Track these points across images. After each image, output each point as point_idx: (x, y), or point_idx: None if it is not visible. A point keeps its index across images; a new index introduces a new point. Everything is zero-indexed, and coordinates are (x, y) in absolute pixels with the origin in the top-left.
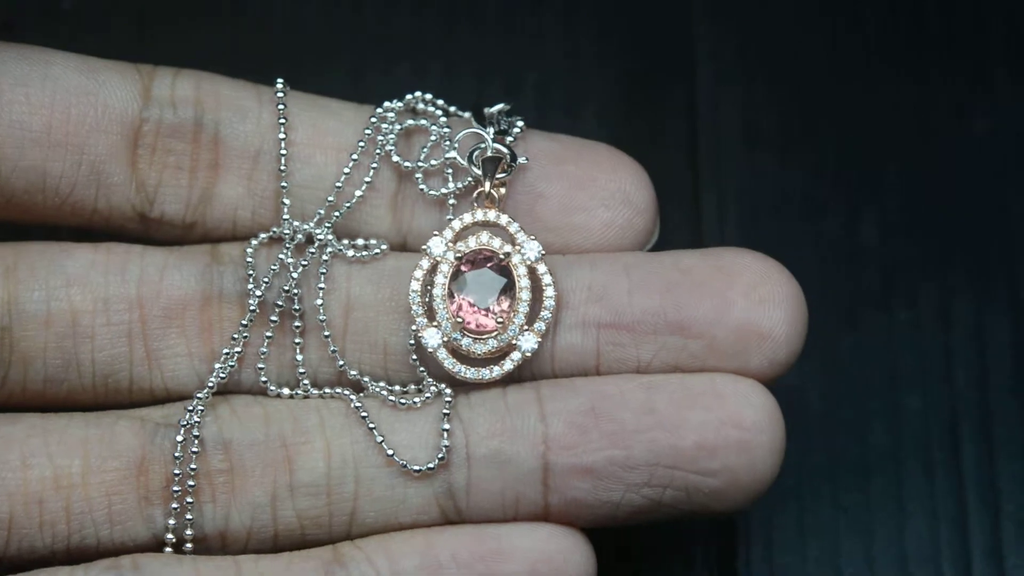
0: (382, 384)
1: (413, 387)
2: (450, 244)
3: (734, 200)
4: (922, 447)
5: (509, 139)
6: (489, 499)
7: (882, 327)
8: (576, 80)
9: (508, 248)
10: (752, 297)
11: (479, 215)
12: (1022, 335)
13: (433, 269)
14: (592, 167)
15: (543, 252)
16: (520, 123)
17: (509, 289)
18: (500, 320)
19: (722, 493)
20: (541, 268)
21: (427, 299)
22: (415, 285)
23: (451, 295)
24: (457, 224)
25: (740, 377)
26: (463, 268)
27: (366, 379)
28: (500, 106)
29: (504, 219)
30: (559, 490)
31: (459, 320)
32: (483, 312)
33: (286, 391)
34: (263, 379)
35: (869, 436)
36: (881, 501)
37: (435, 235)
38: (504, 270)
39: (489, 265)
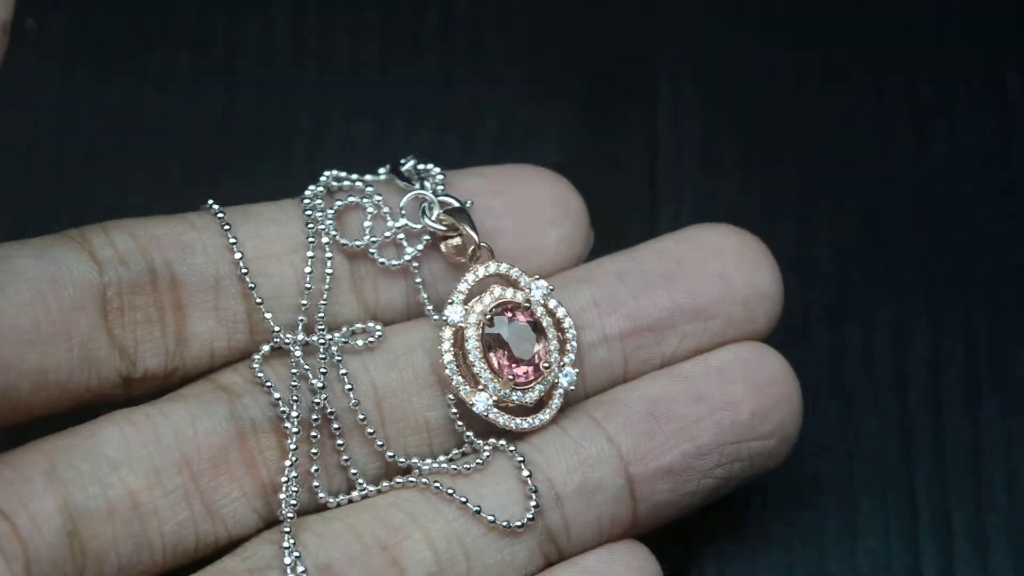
0: (437, 459)
1: (457, 452)
2: (466, 308)
3: (692, 222)
4: (875, 464)
5: (440, 188)
6: (587, 529)
7: (836, 346)
8: (537, 106)
9: (521, 294)
10: (746, 266)
11: (481, 271)
12: (975, 355)
13: (458, 335)
14: (529, 190)
15: (551, 288)
16: (436, 169)
17: (539, 332)
18: (547, 364)
19: (776, 450)
20: (552, 303)
21: (462, 364)
22: (448, 356)
23: (485, 354)
24: (464, 286)
25: (752, 342)
26: (491, 325)
27: (416, 461)
28: (412, 160)
29: (505, 267)
30: (646, 498)
31: (511, 378)
32: (524, 363)
33: (344, 497)
34: (321, 495)
35: (823, 453)
36: (834, 518)
37: (450, 303)
38: (530, 316)
39: (517, 316)
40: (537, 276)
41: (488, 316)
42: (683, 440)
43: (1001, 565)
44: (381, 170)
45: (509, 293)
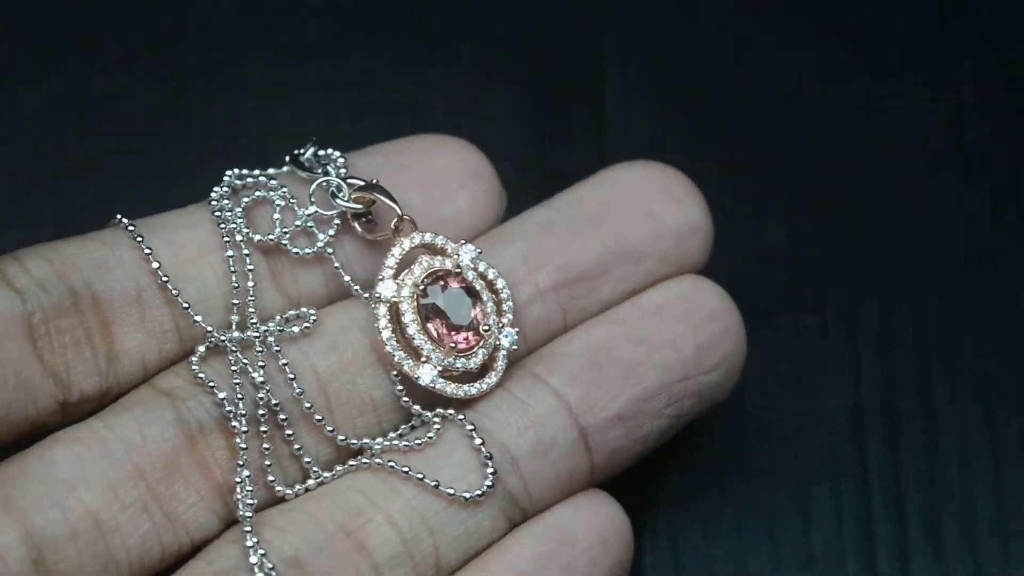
0: (388, 437)
1: (407, 428)
2: (397, 282)
3: None
4: (827, 448)
5: (343, 171)
6: (547, 487)
7: (788, 329)
8: (485, 94)
9: (450, 261)
10: (673, 201)
11: (406, 244)
12: (926, 338)
13: (393, 310)
14: (431, 159)
15: (479, 251)
16: (336, 153)
17: (474, 296)
18: (486, 327)
19: (724, 382)
20: (482, 265)
21: (401, 338)
22: (387, 333)
23: (423, 325)
24: (392, 260)
25: (689, 276)
26: (424, 295)
27: (368, 441)
28: (311, 148)
29: (429, 236)
30: (600, 447)
31: (452, 345)
32: (462, 330)
33: (300, 486)
34: (278, 488)
35: (774, 436)
36: (786, 501)
37: (380, 279)
38: (462, 282)
39: (451, 283)
40: (463, 241)
41: (421, 287)
42: (629, 385)
43: (955, 548)
44: (286, 160)
45: (438, 261)
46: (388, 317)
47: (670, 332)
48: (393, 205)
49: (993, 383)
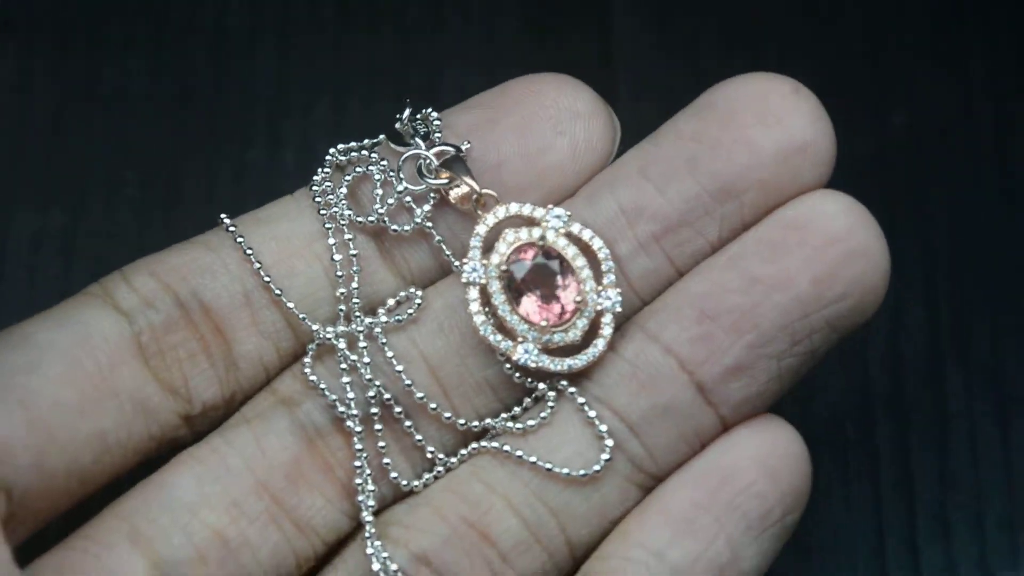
0: (503, 417)
1: (530, 401)
2: (484, 262)
3: None
4: (836, 438)
5: (437, 135)
6: (672, 448)
7: None
8: (493, 47)
9: (538, 231)
10: (767, 122)
11: (490, 219)
12: (937, 326)
13: (483, 292)
14: (524, 106)
15: (568, 214)
16: (434, 114)
17: (564, 266)
18: (578, 298)
19: (859, 307)
20: (575, 227)
21: (496, 320)
22: (479, 318)
23: (516, 303)
24: (476, 240)
25: (806, 197)
26: (512, 274)
27: (489, 422)
28: (407, 112)
29: (514, 207)
30: (724, 401)
31: (544, 323)
32: (556, 301)
33: (428, 476)
34: (403, 483)
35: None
36: None
37: (466, 261)
38: (549, 252)
39: (534, 256)
40: (551, 206)
41: (506, 265)
42: (743, 332)
43: (964, 540)
44: (395, 127)
45: (524, 234)
46: (479, 300)
47: (783, 268)
48: (470, 182)
49: (1004, 374)
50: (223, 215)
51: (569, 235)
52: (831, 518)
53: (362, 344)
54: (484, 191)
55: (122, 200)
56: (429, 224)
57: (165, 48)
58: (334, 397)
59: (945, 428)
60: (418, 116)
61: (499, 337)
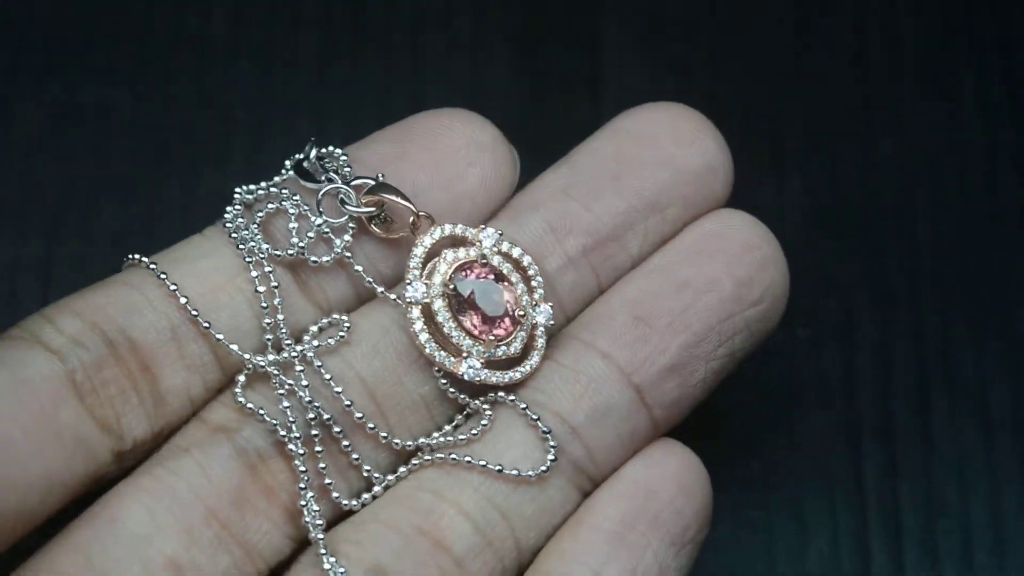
0: (443, 432)
1: (461, 418)
2: (426, 281)
3: None
4: (823, 464)
5: (347, 169)
6: (611, 450)
7: (783, 344)
8: (479, 55)
9: (475, 249)
10: (686, 144)
11: (428, 240)
12: (924, 354)
13: (426, 310)
14: (431, 140)
15: (500, 233)
16: (338, 151)
17: (504, 280)
18: (521, 312)
19: (770, 312)
20: (505, 245)
21: (439, 337)
22: (423, 336)
23: (457, 321)
24: (416, 261)
25: (716, 212)
26: (455, 291)
27: (423, 440)
28: (313, 151)
29: (448, 228)
30: (657, 402)
31: (492, 337)
32: (500, 317)
33: (367, 496)
34: (344, 502)
35: (771, 453)
36: (783, 518)
37: (408, 282)
38: (490, 270)
39: (477, 274)
40: (483, 226)
41: (449, 283)
42: (677, 333)
43: (952, 567)
44: (287, 165)
45: (461, 253)
46: (422, 319)
47: (708, 272)
48: (407, 204)
49: (991, 400)
50: (135, 254)
51: (501, 253)
52: (817, 545)
53: (299, 368)
54: (422, 212)
55: (99, 229)
56: (348, 254)
57: (145, 72)
58: (275, 422)
59: (931, 454)
60: (323, 152)
61: (444, 354)
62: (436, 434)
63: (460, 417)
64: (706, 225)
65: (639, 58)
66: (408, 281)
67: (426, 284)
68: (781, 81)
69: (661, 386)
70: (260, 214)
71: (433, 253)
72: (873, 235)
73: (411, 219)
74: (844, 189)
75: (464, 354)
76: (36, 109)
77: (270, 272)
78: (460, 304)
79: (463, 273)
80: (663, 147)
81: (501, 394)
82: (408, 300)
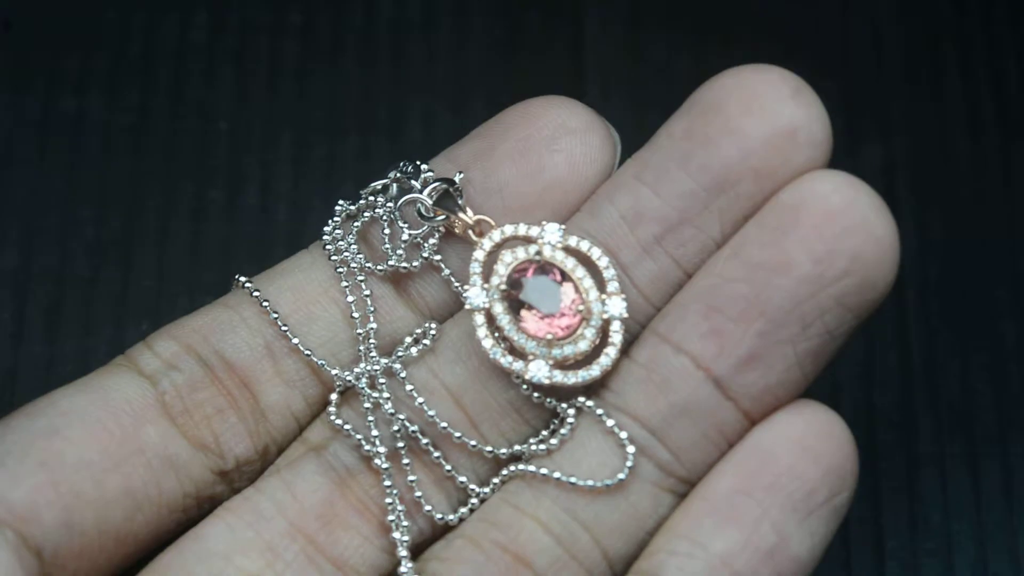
0: (531, 442)
1: (556, 422)
2: (485, 286)
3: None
4: None
5: (428, 173)
6: (699, 449)
7: None
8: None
9: (533, 247)
10: (755, 112)
11: (487, 244)
12: (908, 373)
13: (489, 316)
14: (515, 131)
15: (563, 227)
16: (424, 166)
17: (564, 278)
18: (580, 307)
19: (866, 282)
20: (571, 240)
21: (505, 344)
22: (487, 343)
23: (520, 322)
24: (476, 266)
25: (798, 179)
26: (513, 294)
27: (518, 448)
28: (400, 170)
29: (509, 228)
30: (743, 393)
31: (549, 335)
32: (560, 315)
33: (464, 510)
34: (438, 516)
35: None
36: None
37: (467, 288)
38: (547, 267)
39: (531, 273)
40: (544, 222)
41: (506, 286)
42: (751, 321)
43: None
44: (388, 175)
45: (520, 252)
46: (486, 324)
47: (781, 250)
48: (463, 216)
49: (975, 417)
50: (237, 275)
51: (567, 248)
52: None
53: (382, 380)
54: (478, 217)
55: (77, 240)
56: (437, 257)
57: (123, 82)
58: (359, 436)
59: (915, 473)
60: (410, 169)
61: (510, 359)
62: (533, 440)
63: (556, 421)
64: (783, 196)
65: (624, 62)
66: (468, 288)
67: (485, 288)
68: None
69: (743, 377)
70: (357, 224)
71: (496, 256)
72: None
73: (467, 228)
74: None
75: (530, 357)
76: (9, 120)
77: (362, 281)
78: (518, 306)
79: (519, 273)
80: (729, 117)
81: (581, 399)
82: (469, 306)
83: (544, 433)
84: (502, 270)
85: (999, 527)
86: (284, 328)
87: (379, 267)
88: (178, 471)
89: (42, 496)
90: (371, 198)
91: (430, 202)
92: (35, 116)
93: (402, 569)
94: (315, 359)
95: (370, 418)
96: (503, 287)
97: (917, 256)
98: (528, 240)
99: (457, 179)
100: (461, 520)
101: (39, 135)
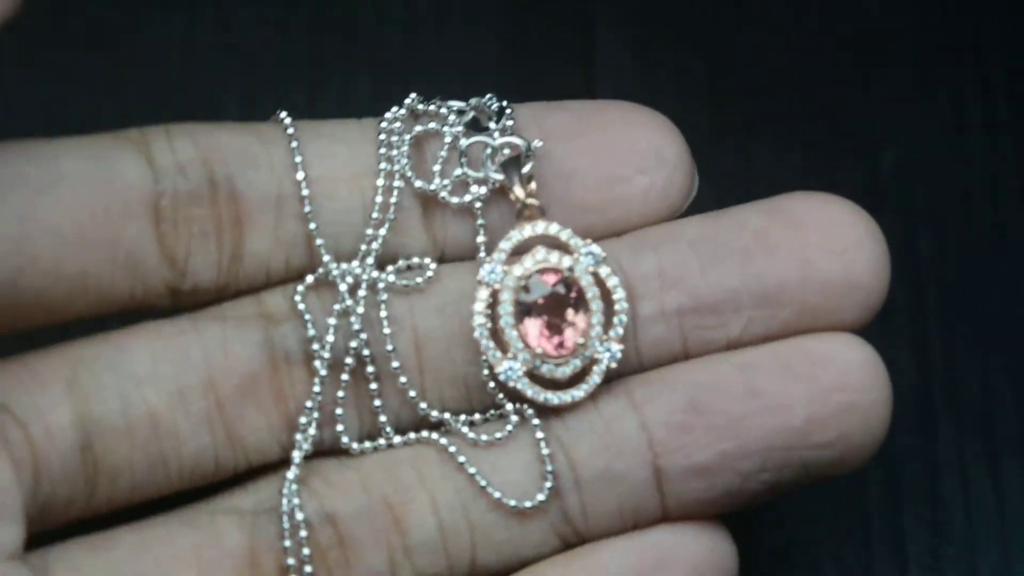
0: (464, 419)
1: (494, 414)
2: (505, 268)
3: None
4: (826, 489)
5: (509, 122)
6: (607, 517)
7: None
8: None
9: (568, 261)
10: (831, 248)
11: (527, 231)
12: (927, 375)
13: (494, 296)
14: (616, 131)
15: (603, 256)
16: (509, 110)
17: (580, 303)
18: (580, 339)
19: (839, 461)
20: (604, 270)
21: (494, 328)
22: (479, 318)
23: (520, 320)
24: (507, 244)
25: (834, 334)
26: (527, 291)
27: (448, 417)
28: (488, 97)
29: (554, 228)
30: (675, 494)
31: (539, 350)
32: (558, 333)
33: (368, 444)
34: (344, 439)
35: None
36: (785, 544)
37: (487, 261)
38: (570, 284)
39: (554, 283)
40: (590, 240)
41: (525, 281)
42: (723, 438)
43: None
44: (472, 101)
45: (554, 257)
46: (487, 302)
47: (786, 394)
48: (518, 191)
49: (996, 421)
50: (284, 113)
51: (596, 275)
52: (822, 573)
53: (362, 293)
54: (530, 201)
55: None
56: (479, 206)
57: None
58: (313, 333)
59: (936, 478)
60: (494, 108)
61: (491, 344)
62: (463, 417)
63: (493, 412)
64: (812, 344)
65: (635, 72)
66: (488, 260)
67: (505, 271)
68: (780, 90)
69: (684, 482)
70: (419, 127)
71: (529, 246)
72: None
73: (519, 206)
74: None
75: (511, 355)
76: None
77: (397, 187)
78: (526, 306)
79: (544, 276)
80: (807, 243)
81: (531, 412)
82: (480, 278)
83: (477, 417)
84: (529, 263)
85: (1022, 529)
86: (305, 193)
87: (419, 183)
88: (136, 273)
89: (3, 246)
90: (445, 111)
91: (498, 158)
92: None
93: (289, 474)
94: (317, 238)
95: (333, 320)
96: (523, 281)
97: (935, 257)
98: (565, 247)
99: (534, 146)
100: (362, 453)
101: (49, 130)
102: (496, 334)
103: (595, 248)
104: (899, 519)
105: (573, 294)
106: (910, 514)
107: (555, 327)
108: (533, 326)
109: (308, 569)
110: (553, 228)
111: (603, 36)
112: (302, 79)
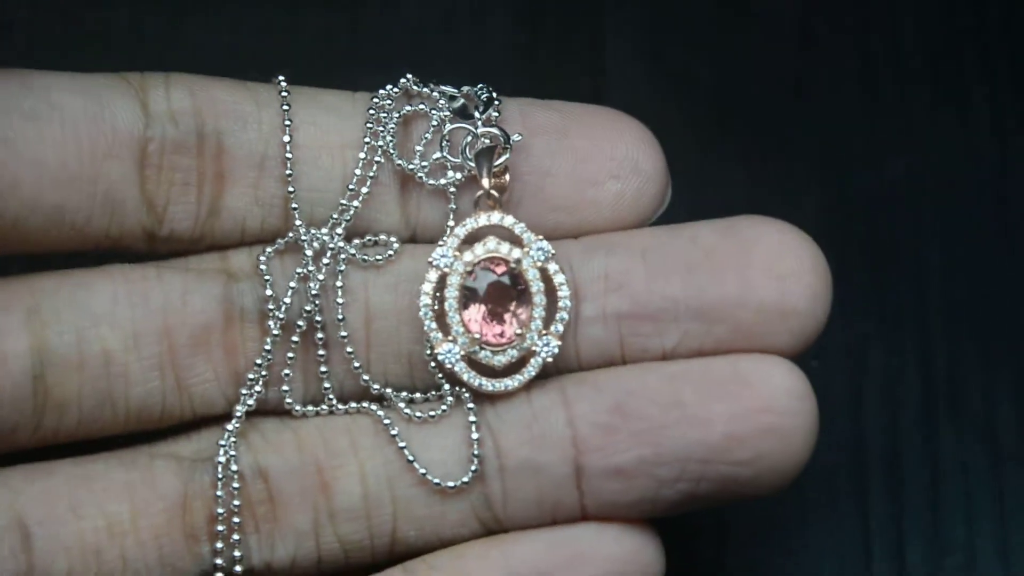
0: (404, 395)
1: (434, 394)
2: (456, 253)
3: None
4: (828, 498)
5: (494, 114)
6: (526, 507)
7: None
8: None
9: (517, 253)
10: (772, 273)
11: (483, 219)
12: (931, 385)
13: (442, 280)
14: (597, 135)
15: (552, 252)
16: (497, 100)
17: (523, 295)
18: (519, 330)
19: (756, 480)
20: (552, 267)
21: (439, 310)
22: (426, 299)
23: (464, 306)
24: (461, 231)
25: (766, 356)
26: (474, 278)
27: (389, 391)
28: (479, 87)
29: (508, 220)
30: (593, 493)
31: (477, 335)
32: (500, 322)
33: (311, 408)
34: (288, 400)
35: None
36: (787, 553)
37: (439, 245)
38: (517, 276)
39: (500, 273)
40: (541, 236)
41: (473, 268)
42: (642, 444)
43: None
44: (464, 88)
45: (505, 248)
46: (435, 285)
47: (709, 409)
48: (483, 181)
49: (998, 430)
50: (282, 78)
51: (544, 271)
52: None
53: (325, 261)
54: (492, 192)
55: None
56: (452, 191)
57: None
58: (271, 293)
59: (938, 487)
60: (484, 97)
61: (434, 325)
62: (404, 394)
63: (432, 393)
64: (743, 364)
65: (643, 71)
66: (440, 244)
67: (456, 256)
68: (788, 96)
69: (602, 482)
70: (408, 108)
71: (482, 235)
72: (881, 263)
73: (478, 194)
74: (854, 210)
75: (451, 338)
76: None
77: (378, 163)
78: (470, 293)
79: (492, 265)
80: (751, 265)
81: (467, 395)
82: (430, 261)
83: (418, 395)
84: (480, 251)
85: (1022, 542)
86: (288, 156)
87: (399, 161)
88: (114, 213)
89: None
90: (436, 95)
91: (477, 145)
92: None
93: (228, 426)
94: (292, 204)
95: (293, 284)
96: (471, 268)
97: (941, 271)
98: (517, 241)
99: (513, 140)
100: (304, 416)
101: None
102: (441, 317)
103: (545, 244)
104: (900, 530)
105: (520, 286)
106: (911, 525)
107: (497, 316)
108: (476, 313)
109: (236, 520)
110: (508, 220)
111: (612, 44)
112: (309, 81)
